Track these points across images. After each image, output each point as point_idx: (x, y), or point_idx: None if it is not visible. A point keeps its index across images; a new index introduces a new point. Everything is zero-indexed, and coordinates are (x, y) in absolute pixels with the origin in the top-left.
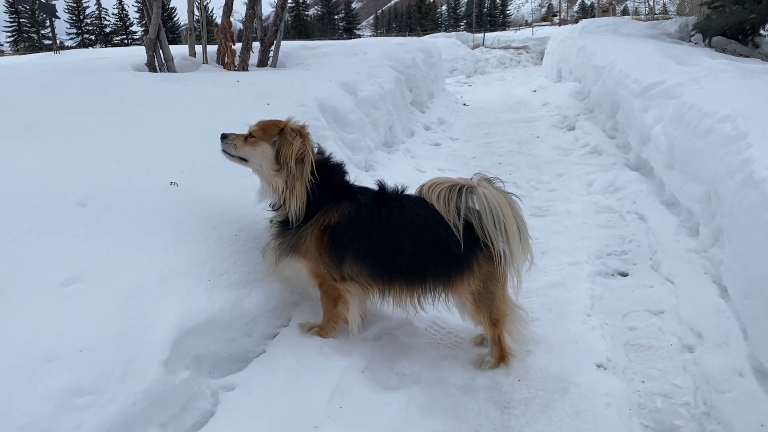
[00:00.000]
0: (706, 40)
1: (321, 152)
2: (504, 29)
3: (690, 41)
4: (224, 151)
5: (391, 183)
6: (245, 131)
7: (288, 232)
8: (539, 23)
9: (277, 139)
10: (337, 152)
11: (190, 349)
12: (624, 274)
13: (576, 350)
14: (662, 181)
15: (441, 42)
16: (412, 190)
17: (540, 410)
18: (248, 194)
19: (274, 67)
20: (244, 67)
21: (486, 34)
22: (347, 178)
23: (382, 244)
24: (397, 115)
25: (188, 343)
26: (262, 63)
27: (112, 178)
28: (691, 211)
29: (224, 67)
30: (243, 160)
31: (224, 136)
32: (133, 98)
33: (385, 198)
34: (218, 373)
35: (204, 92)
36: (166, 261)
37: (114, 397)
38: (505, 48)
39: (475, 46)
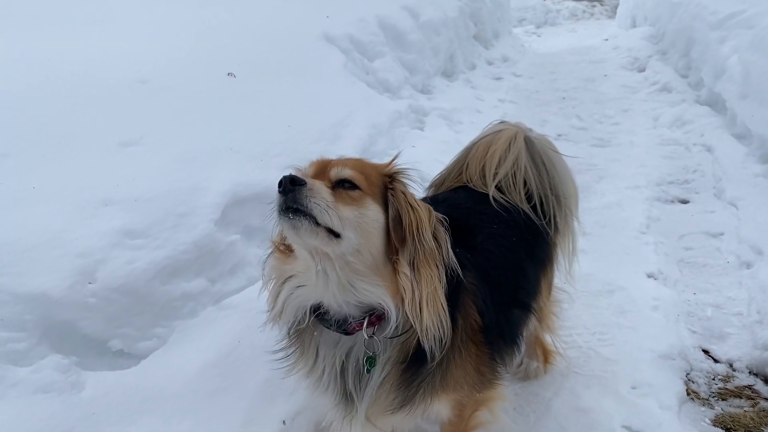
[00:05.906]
0: None
1: None
2: None
3: None
4: (296, 212)
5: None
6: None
7: (420, 370)
8: None
9: (389, 196)
10: (394, 69)
11: (241, 217)
12: (684, 201)
13: (626, 260)
14: (734, 113)
15: None
16: (468, 115)
17: (584, 308)
18: (299, 92)
19: None
20: None
21: None
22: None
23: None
24: (459, 45)
25: (239, 212)
26: None
27: (172, 62)
28: (763, 137)
29: None
30: (331, 234)
31: (294, 182)
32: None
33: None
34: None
35: (263, 1)
36: (219, 138)
37: (165, 243)
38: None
39: None
